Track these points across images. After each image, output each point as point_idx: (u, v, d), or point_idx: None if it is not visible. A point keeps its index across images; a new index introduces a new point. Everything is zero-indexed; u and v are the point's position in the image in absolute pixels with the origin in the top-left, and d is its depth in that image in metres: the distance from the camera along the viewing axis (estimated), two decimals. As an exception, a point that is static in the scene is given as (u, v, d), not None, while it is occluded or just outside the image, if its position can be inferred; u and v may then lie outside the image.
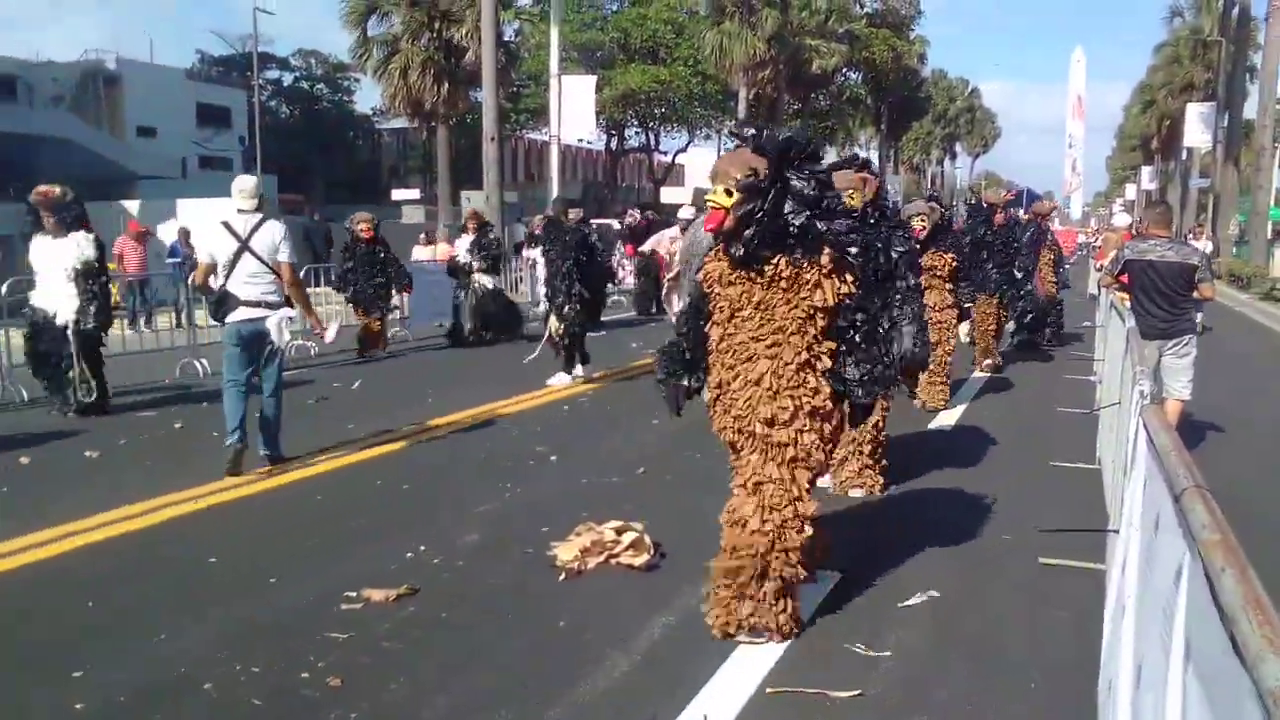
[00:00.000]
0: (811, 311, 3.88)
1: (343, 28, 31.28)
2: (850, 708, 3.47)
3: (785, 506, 3.91)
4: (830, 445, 4.13)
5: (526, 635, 4.10)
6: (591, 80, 26.10)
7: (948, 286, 8.90)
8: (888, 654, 3.89)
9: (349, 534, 5.46)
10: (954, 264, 8.82)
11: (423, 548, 5.15)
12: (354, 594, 4.47)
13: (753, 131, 4.07)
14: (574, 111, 23.30)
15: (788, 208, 3.85)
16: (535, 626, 4.19)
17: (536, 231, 11.12)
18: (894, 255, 5.53)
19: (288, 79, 56.78)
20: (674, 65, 43.26)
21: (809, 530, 3.94)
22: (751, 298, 3.92)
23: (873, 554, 5.07)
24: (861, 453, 6.21)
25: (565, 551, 4.92)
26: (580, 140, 39.46)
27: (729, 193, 3.86)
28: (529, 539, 5.25)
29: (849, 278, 3.94)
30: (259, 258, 6.65)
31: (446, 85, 30.35)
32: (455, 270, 13.93)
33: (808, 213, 3.85)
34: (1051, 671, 3.75)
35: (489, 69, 22.05)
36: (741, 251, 3.87)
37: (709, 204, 3.98)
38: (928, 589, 4.59)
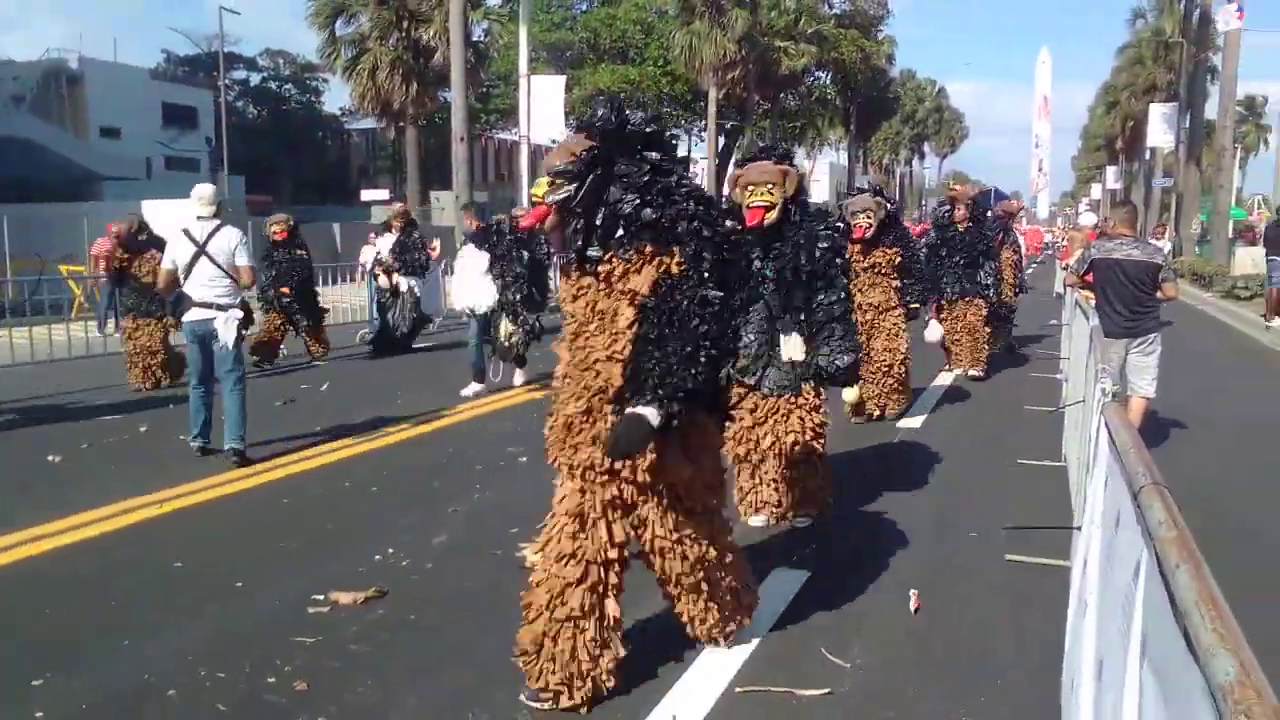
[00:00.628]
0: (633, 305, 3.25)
1: (310, 27, 31.10)
2: (818, 706, 3.48)
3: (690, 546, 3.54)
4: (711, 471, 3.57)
5: (497, 636, 4.08)
6: (561, 80, 26.08)
7: (894, 283, 8.29)
8: (855, 653, 3.91)
9: (317, 537, 5.42)
10: (898, 259, 8.24)
11: (391, 550, 5.12)
12: (321, 597, 4.44)
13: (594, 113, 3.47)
14: (543, 112, 23.26)
15: (615, 195, 3.28)
16: (505, 627, 4.16)
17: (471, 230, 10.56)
18: (817, 254, 5.06)
19: (255, 79, 56.31)
20: (643, 65, 43.35)
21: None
22: (595, 307, 3.32)
23: (840, 553, 5.10)
24: (774, 480, 5.36)
25: (535, 552, 4.90)
26: (550, 140, 39.46)
27: (552, 183, 3.41)
28: (499, 540, 5.24)
29: (672, 261, 3.20)
30: (215, 262, 6.94)
31: (415, 85, 30.28)
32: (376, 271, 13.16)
33: (637, 199, 3.24)
34: (1019, 668, 3.79)
35: (458, 69, 21.98)
36: (570, 252, 3.39)
37: (533, 199, 3.84)
38: (894, 588, 4.62)
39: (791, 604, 4.38)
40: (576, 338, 3.38)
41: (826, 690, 3.57)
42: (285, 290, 11.99)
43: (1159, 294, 7.18)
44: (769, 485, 5.34)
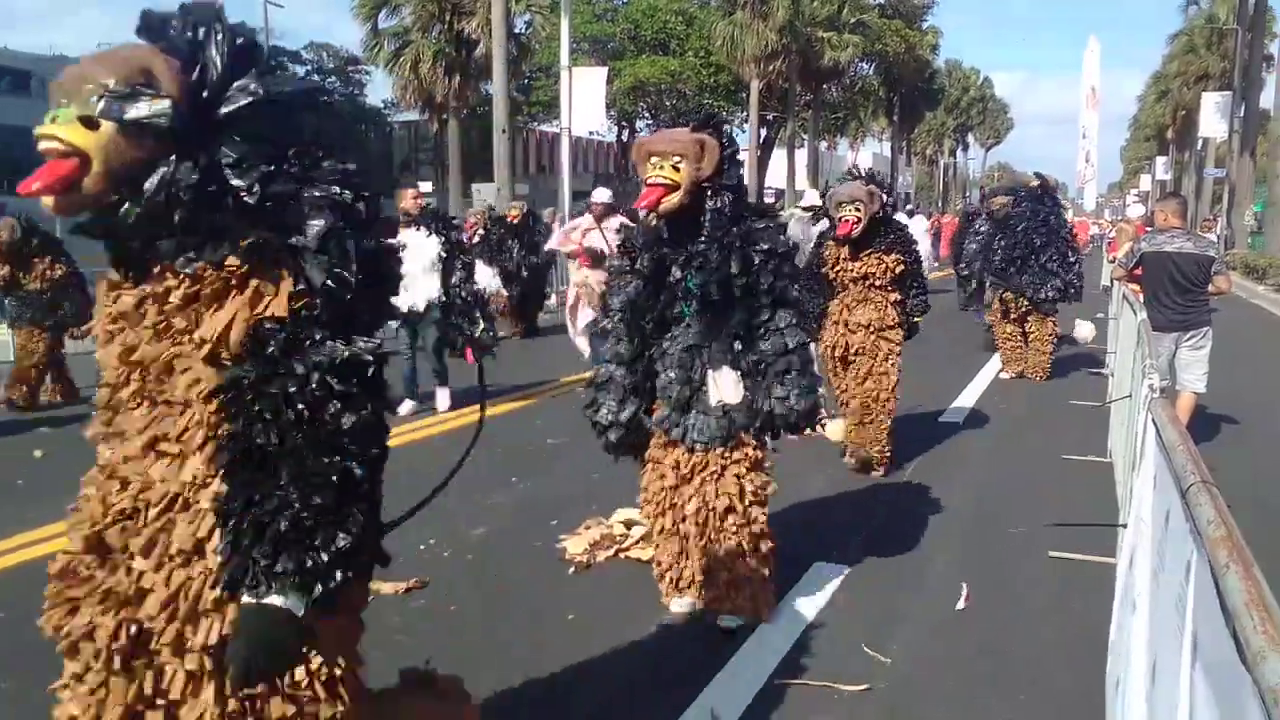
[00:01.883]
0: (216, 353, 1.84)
1: (354, 20, 31.34)
2: (857, 701, 3.47)
3: None
4: None
5: (536, 628, 4.11)
6: (602, 72, 26.05)
7: (892, 298, 6.42)
8: (895, 648, 3.89)
9: (359, 527, 5.47)
10: (900, 268, 6.38)
11: (433, 540, 5.17)
12: (364, 587, 4.48)
13: None
14: (585, 103, 23.23)
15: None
16: (545, 619, 4.20)
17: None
18: (755, 260, 3.82)
19: (299, 72, 56.92)
20: (685, 56, 43.17)
21: None
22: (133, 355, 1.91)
23: (880, 548, 5.07)
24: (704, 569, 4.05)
25: (574, 545, 4.93)
26: (591, 132, 39.51)
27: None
28: (538, 532, 5.26)
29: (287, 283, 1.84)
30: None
31: (458, 78, 30.40)
32: None
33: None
34: (1060, 666, 3.75)
35: (500, 61, 22.05)
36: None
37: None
38: (935, 583, 4.59)
39: (831, 598, 4.37)
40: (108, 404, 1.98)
41: (866, 685, 3.55)
42: None
43: (1210, 287, 7.05)
44: (697, 559, 4.06)
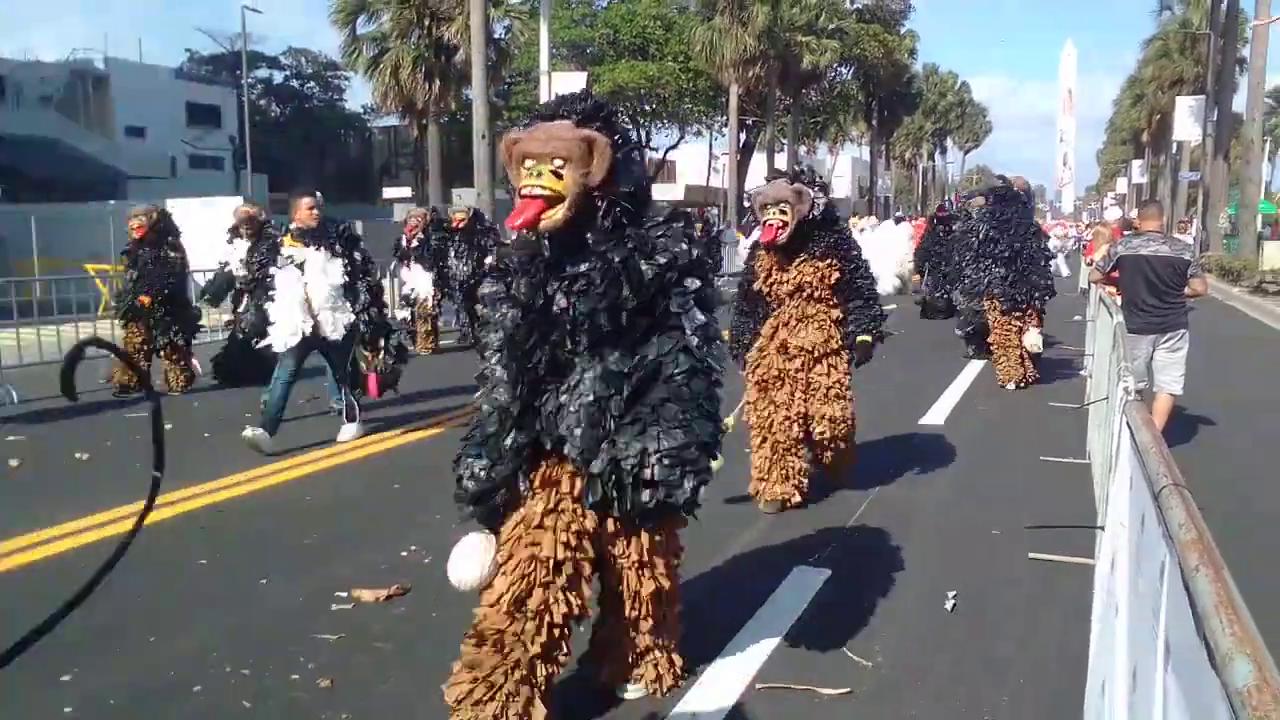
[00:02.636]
0: None
1: (332, 26, 31.26)
2: (840, 704, 3.48)
3: None
4: None
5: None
6: (582, 77, 26.08)
7: (835, 314, 5.61)
8: (877, 651, 3.90)
9: (339, 534, 5.46)
10: (835, 274, 5.53)
11: (414, 547, 5.15)
12: (345, 594, 4.47)
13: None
14: (565, 109, 23.25)
15: None
16: (526, 626, 4.18)
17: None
18: (649, 274, 3.05)
19: (278, 77, 56.64)
20: (664, 61, 43.26)
21: None
22: None
23: (861, 551, 5.09)
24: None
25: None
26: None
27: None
28: (520, 538, 5.25)
29: None
30: None
31: (437, 83, 30.38)
32: (224, 285, 10.19)
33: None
34: (1042, 667, 3.77)
35: (479, 67, 22.02)
36: None
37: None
38: (917, 586, 4.61)
39: (813, 602, 4.38)
40: None
41: (848, 689, 3.56)
42: (144, 300, 9.65)
43: (1187, 290, 7.12)
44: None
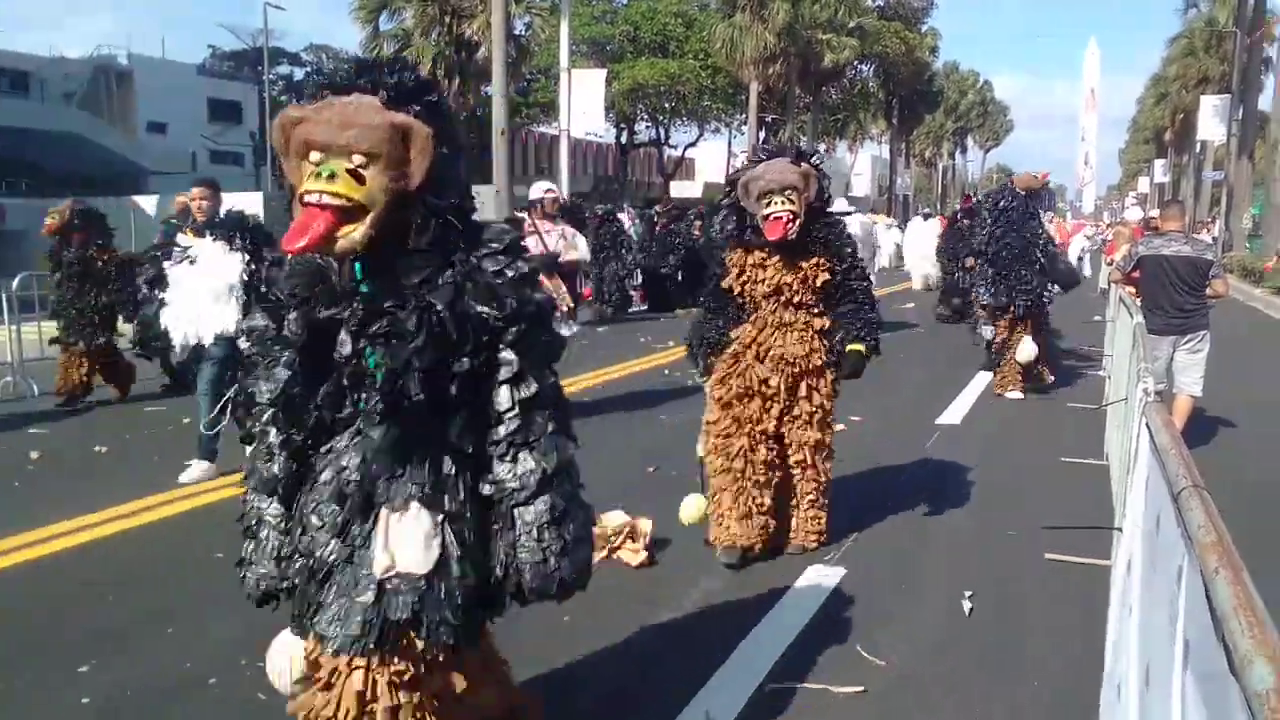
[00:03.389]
0: None
1: (354, 22, 31.38)
2: (853, 704, 3.47)
3: None
4: None
5: (529, 631, 4.10)
6: (601, 74, 26.15)
7: (816, 324, 4.66)
8: (890, 650, 3.88)
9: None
10: (827, 278, 4.63)
11: (429, 543, 5.16)
12: (359, 589, 4.48)
13: None
14: (584, 105, 23.34)
15: None
16: (537, 622, 4.18)
17: None
18: (485, 324, 2.25)
19: (299, 74, 56.94)
20: (684, 59, 43.22)
21: None
22: None
23: (876, 550, 5.07)
24: None
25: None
26: (590, 134, 39.53)
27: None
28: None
29: None
30: None
31: (458, 80, 30.43)
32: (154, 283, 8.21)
33: None
34: (1056, 668, 3.74)
35: (499, 63, 22.08)
36: None
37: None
38: (932, 586, 4.59)
39: (826, 601, 4.36)
40: None
41: (861, 688, 3.55)
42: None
43: (1208, 291, 7.06)
44: None
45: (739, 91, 43.21)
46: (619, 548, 4.87)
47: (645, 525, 4.95)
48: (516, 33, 29.61)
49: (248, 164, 44.73)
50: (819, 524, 4.96)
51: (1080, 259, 23.16)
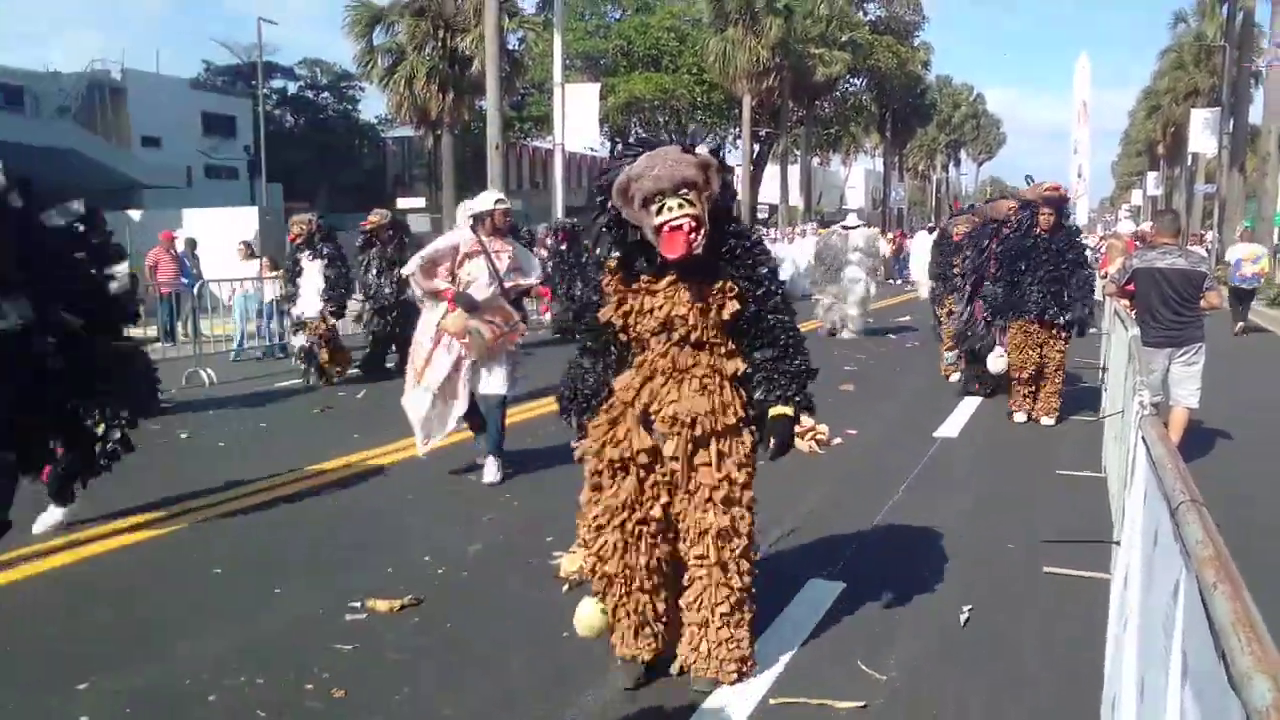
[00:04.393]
0: None
1: (347, 37, 31.48)
2: (853, 718, 3.47)
3: None
4: None
5: (531, 645, 4.11)
6: (595, 88, 26.24)
7: (728, 368, 3.53)
8: (890, 665, 3.89)
9: (354, 545, 5.48)
10: (737, 307, 3.48)
11: (427, 558, 5.17)
12: (359, 604, 4.48)
13: None
14: (578, 119, 23.40)
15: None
16: (540, 636, 4.20)
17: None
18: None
19: (293, 88, 56.97)
20: (678, 73, 43.40)
21: None
22: None
23: (876, 564, 5.08)
24: None
25: (569, 562, 4.90)
26: (584, 148, 39.57)
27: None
28: (533, 550, 5.26)
29: None
30: None
31: (451, 94, 30.54)
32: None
33: None
34: (1056, 682, 3.75)
35: (493, 78, 22.14)
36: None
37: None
38: (930, 600, 4.59)
39: (826, 615, 4.37)
40: None
41: (861, 703, 3.55)
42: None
43: (1202, 303, 7.09)
44: None
45: (732, 106, 43.37)
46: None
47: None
48: (510, 47, 29.73)
49: (242, 177, 44.71)
50: (739, 649, 3.57)
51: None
